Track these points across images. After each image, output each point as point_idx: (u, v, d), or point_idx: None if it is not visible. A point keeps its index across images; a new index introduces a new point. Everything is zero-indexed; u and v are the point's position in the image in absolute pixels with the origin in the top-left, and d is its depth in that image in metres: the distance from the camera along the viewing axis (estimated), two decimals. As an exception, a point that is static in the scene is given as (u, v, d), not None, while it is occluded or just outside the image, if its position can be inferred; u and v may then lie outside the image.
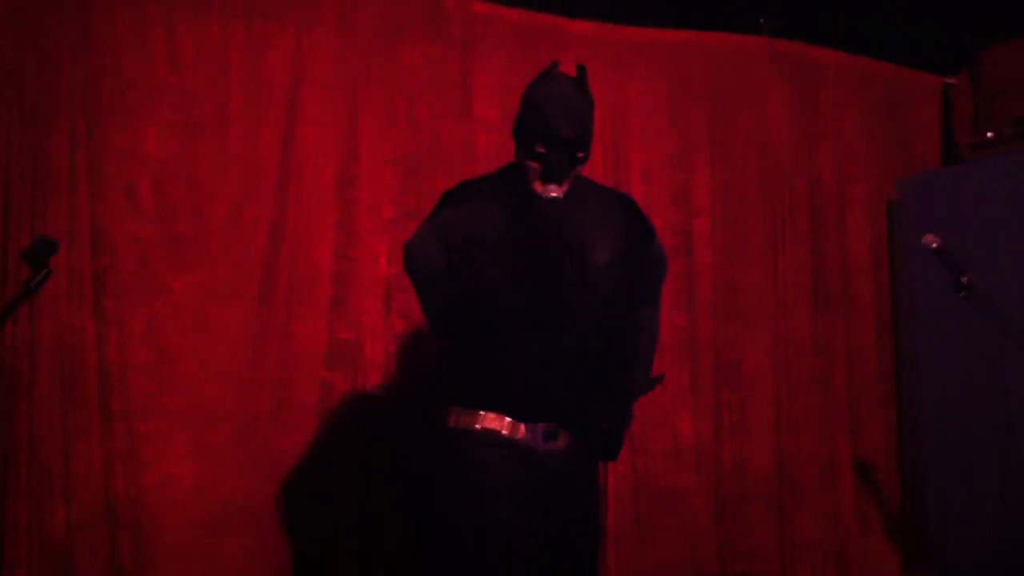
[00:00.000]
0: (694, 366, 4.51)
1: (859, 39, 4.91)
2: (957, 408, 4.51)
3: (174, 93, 3.69)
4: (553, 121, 2.57)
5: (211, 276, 3.70)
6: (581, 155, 2.65)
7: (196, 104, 3.72)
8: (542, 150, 2.59)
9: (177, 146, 3.68)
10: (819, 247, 4.83)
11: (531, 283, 2.65)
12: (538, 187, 2.63)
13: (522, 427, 2.68)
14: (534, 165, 2.62)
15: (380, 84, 4.00)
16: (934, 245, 3.33)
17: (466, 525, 2.68)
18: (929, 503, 4.64)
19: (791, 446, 4.64)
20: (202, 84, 3.73)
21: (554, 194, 2.62)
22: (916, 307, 4.70)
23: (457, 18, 4.15)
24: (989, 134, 4.75)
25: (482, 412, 2.69)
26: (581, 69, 2.68)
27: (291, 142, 3.85)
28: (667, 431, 4.40)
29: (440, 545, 2.84)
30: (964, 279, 3.25)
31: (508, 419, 2.68)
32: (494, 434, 2.68)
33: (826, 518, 4.68)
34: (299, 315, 3.82)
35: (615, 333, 2.75)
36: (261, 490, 3.70)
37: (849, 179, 4.93)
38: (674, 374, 4.38)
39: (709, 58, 4.67)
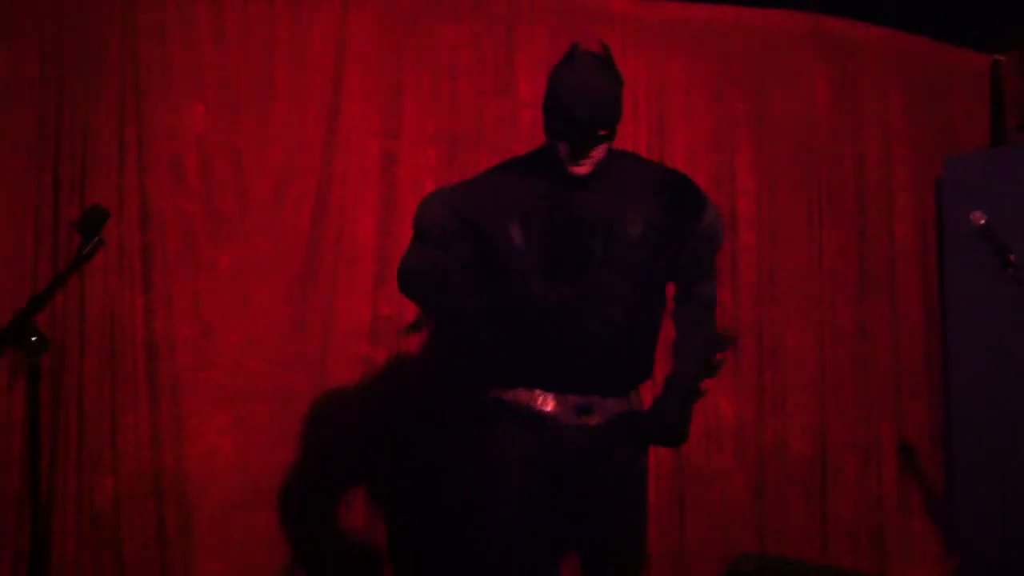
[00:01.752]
0: (737, 347, 4.49)
1: (904, 16, 4.82)
2: (997, 393, 4.44)
3: (220, 70, 3.73)
4: (570, 101, 2.59)
5: (255, 252, 3.74)
6: (604, 132, 2.63)
7: (242, 81, 3.75)
8: (563, 129, 2.61)
9: (223, 122, 3.72)
10: (864, 228, 4.77)
11: (557, 254, 2.65)
12: (567, 166, 2.65)
13: (551, 399, 2.68)
14: (560, 144, 2.64)
15: (423, 61, 4.02)
16: (982, 222, 3.28)
17: (485, 499, 2.69)
18: (961, 490, 4.60)
19: (833, 429, 4.61)
20: (248, 61, 3.76)
21: (580, 171, 2.64)
22: (963, 288, 4.64)
23: (499, -5, 4.15)
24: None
25: (512, 385, 2.69)
26: (606, 48, 2.69)
27: (336, 119, 3.87)
28: (708, 411, 4.38)
29: (460, 521, 2.84)
30: (1012, 256, 3.21)
31: (537, 391, 2.68)
32: (522, 407, 2.68)
33: (866, 501, 4.64)
34: (342, 291, 3.85)
35: (647, 306, 2.75)
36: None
37: (894, 160, 4.86)
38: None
39: (751, 36, 4.61)
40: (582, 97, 2.58)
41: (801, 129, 4.68)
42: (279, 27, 3.81)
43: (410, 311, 3.91)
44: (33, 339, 2.21)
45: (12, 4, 3.42)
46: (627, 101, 4.22)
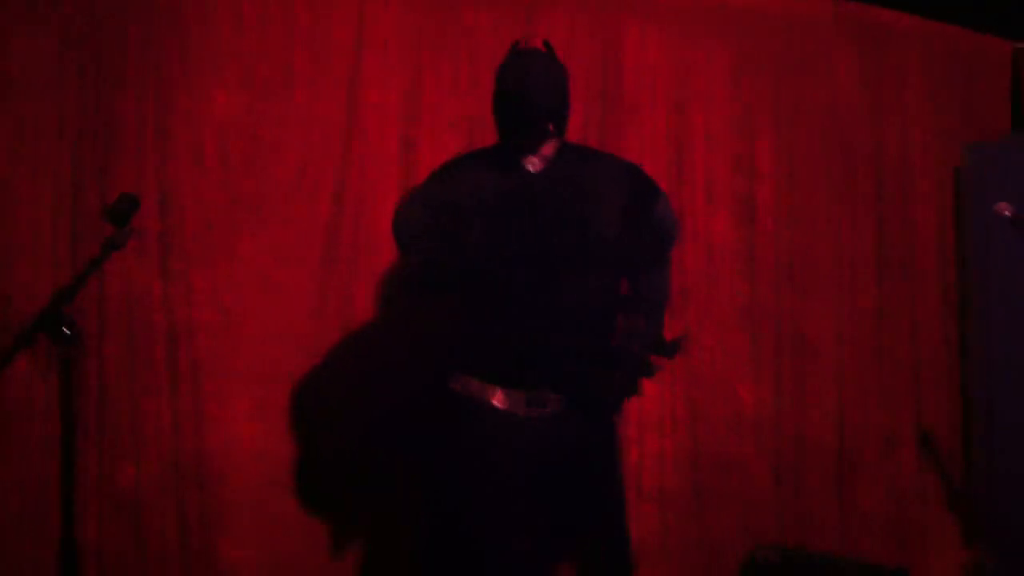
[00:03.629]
0: (755, 334, 4.47)
1: (926, 1, 4.80)
2: (1017, 380, 4.43)
3: (239, 55, 3.70)
4: (515, 100, 2.65)
5: (275, 238, 3.72)
6: (551, 128, 2.68)
7: (261, 66, 3.73)
8: (511, 128, 2.68)
9: (242, 108, 3.69)
10: (884, 215, 4.75)
11: (511, 249, 2.70)
12: (520, 163, 2.71)
13: (500, 392, 2.72)
14: (510, 142, 2.72)
15: (443, 47, 3.99)
16: (1007, 213, 3.27)
17: (451, 490, 2.79)
18: (982, 477, 4.60)
19: (852, 416, 4.60)
20: (267, 46, 3.74)
21: (532, 168, 2.70)
22: (983, 275, 4.63)
23: (520, -19, 4.12)
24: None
25: (466, 377, 2.76)
26: (547, 44, 2.77)
27: (355, 104, 3.85)
28: (727, 399, 4.37)
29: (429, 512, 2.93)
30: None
31: (489, 385, 2.73)
32: (476, 400, 2.74)
33: (887, 490, 4.64)
34: (362, 278, 3.83)
35: (603, 298, 2.78)
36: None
37: (915, 146, 4.83)
38: (735, 342, 4.36)
39: (773, 22, 4.59)
40: (526, 94, 2.63)
41: (822, 115, 4.66)
42: (298, 13, 3.77)
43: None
44: (65, 330, 2.20)
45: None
46: (647, 86, 4.30)
